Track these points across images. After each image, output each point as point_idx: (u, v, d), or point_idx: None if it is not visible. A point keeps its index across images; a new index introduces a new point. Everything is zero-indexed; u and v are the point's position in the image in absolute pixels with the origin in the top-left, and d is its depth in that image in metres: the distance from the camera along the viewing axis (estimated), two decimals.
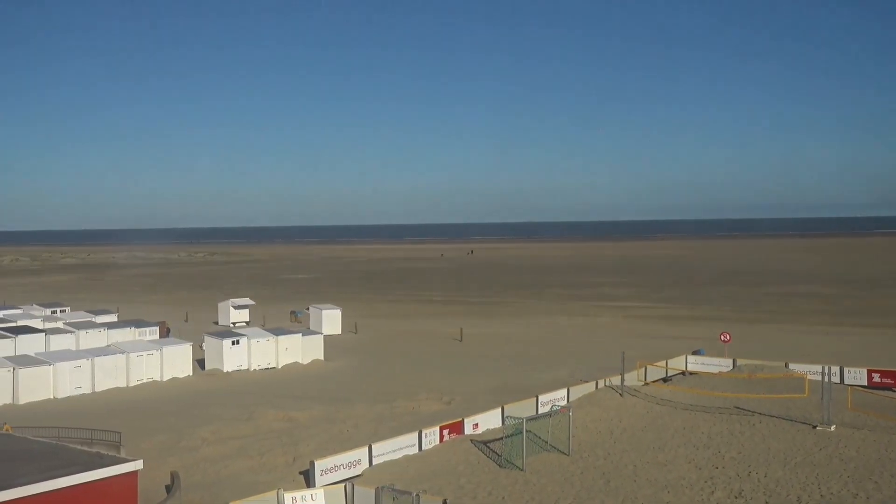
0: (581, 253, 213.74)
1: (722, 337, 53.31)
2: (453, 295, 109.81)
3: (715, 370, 48.78)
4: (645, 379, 46.02)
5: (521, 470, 31.51)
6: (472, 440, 35.33)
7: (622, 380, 43.62)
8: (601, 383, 44.52)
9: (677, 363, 50.03)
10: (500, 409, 38.04)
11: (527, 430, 32.39)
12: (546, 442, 33.78)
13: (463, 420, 36.90)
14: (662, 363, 48.91)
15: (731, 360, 50.04)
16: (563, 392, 42.09)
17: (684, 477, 30.52)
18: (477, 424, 36.99)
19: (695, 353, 52.41)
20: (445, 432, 35.67)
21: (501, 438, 33.68)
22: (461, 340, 66.64)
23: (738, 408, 39.81)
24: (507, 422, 34.85)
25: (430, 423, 36.69)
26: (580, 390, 43.16)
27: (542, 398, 40.35)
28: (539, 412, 37.72)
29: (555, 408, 37.28)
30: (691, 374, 49.06)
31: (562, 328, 74.89)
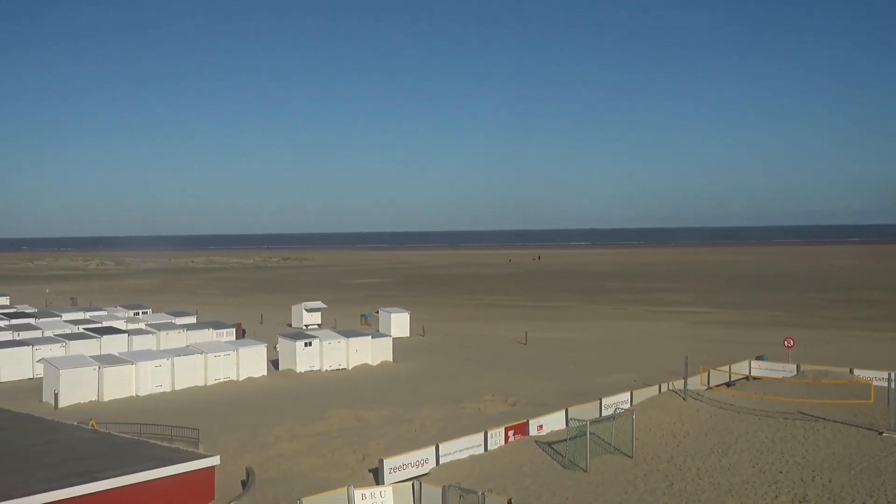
0: (635, 259, 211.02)
1: (786, 342, 52.09)
2: (518, 299, 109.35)
3: (779, 375, 47.69)
4: (708, 383, 45.16)
5: (585, 471, 31.12)
6: (536, 441, 35.02)
7: (685, 384, 42.89)
8: (664, 387, 43.81)
9: (741, 368, 49.02)
10: (564, 412, 37.67)
11: (590, 433, 31.99)
12: (609, 444, 33.33)
13: (528, 421, 36.59)
14: (725, 368, 47.98)
15: (794, 366, 48.88)
16: (627, 395, 41.51)
17: (748, 481, 29.84)
18: (541, 426, 36.66)
19: (758, 358, 51.30)
20: (510, 433, 35.41)
21: (565, 440, 33.31)
22: (526, 344, 66.25)
23: (802, 413, 38.84)
24: (571, 424, 34.50)
25: (496, 424, 36.44)
26: (643, 394, 42.51)
27: (605, 401, 39.88)
28: (602, 415, 37.23)
29: (618, 411, 36.80)
30: (755, 378, 48.04)
31: (623, 333, 74.00)
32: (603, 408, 39.03)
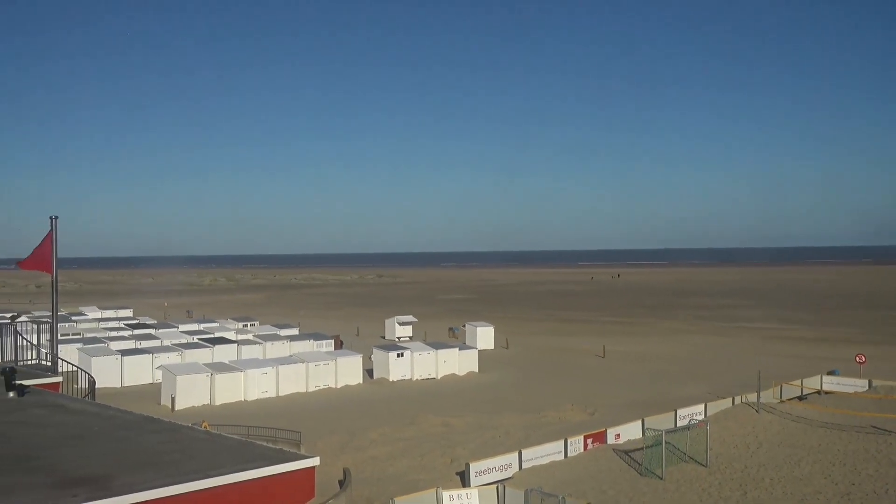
0: (706, 277, 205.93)
1: (857, 358, 50.23)
2: (597, 315, 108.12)
3: (850, 390, 45.99)
4: (780, 397, 43.87)
5: (661, 479, 30.56)
6: (613, 449, 34.54)
7: (758, 397, 41.74)
8: (737, 400, 42.70)
9: (812, 383, 47.46)
10: (640, 422, 37.04)
11: (666, 442, 31.43)
12: (684, 453, 32.67)
13: (606, 430, 36.13)
14: (798, 382, 46.53)
15: (866, 381, 47.05)
16: (701, 407, 40.59)
17: (821, 492, 28.87)
18: (619, 435, 36.15)
19: (830, 373, 49.56)
20: (589, 441, 35.01)
21: (642, 448, 32.79)
22: (604, 357, 65.42)
23: (874, 427, 37.38)
24: (647, 433, 33.90)
25: (575, 432, 36.07)
26: (717, 406, 41.50)
27: (680, 412, 39.06)
28: (677, 425, 36.50)
29: (693, 422, 36.01)
30: (826, 393, 46.44)
31: (697, 347, 72.41)
32: (678, 418, 38.22)
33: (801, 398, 45.08)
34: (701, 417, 38.29)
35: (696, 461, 32.34)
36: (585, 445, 34.78)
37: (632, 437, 35.96)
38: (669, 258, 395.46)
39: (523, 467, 31.80)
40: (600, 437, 35.58)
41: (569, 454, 33.84)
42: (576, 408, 45.23)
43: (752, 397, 42.07)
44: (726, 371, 56.94)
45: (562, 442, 34.14)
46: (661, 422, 36.23)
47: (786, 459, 33.02)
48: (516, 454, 32.16)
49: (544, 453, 33.18)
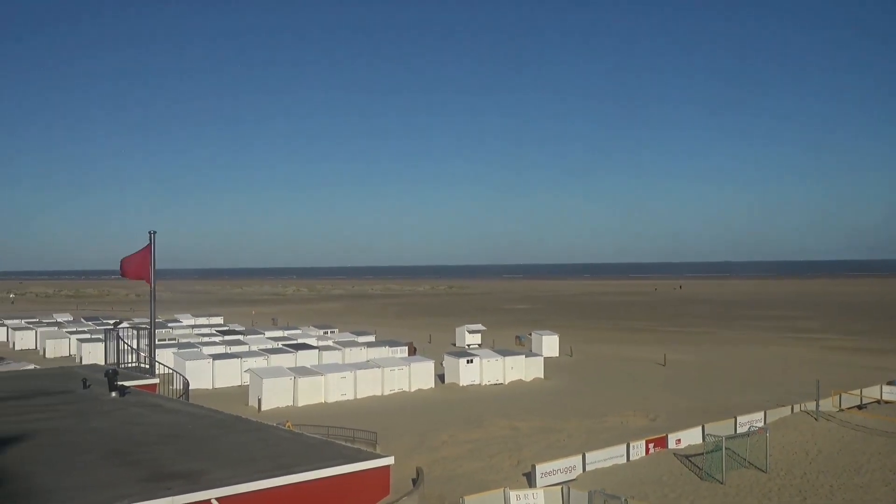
0: (764, 289, 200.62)
1: None
2: (658, 324, 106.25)
3: None
4: (840, 405, 42.36)
5: (722, 483, 29.75)
6: (675, 454, 33.80)
7: (817, 405, 40.38)
8: (797, 408, 41.39)
9: (872, 392, 45.70)
10: (700, 428, 36.19)
11: (726, 447, 30.62)
12: (744, 459, 31.75)
13: (667, 435, 35.39)
14: (857, 391, 44.87)
15: None
16: (760, 414, 39.46)
17: (881, 500, 27.73)
18: (679, 440, 35.36)
19: (889, 383, 47.66)
20: (651, 445, 34.34)
21: (702, 454, 31.99)
22: (664, 365, 64.20)
23: None
24: (708, 439, 33.09)
25: (637, 437, 35.43)
26: (776, 413, 40.30)
27: (740, 419, 38.03)
28: (737, 432, 35.55)
29: (752, 428, 35.02)
30: (886, 402, 44.66)
31: (756, 356, 70.48)
32: (738, 425, 37.23)
33: (860, 407, 43.45)
34: (760, 424, 37.21)
35: (756, 467, 31.41)
36: (647, 450, 34.12)
37: (692, 443, 35.10)
38: (730, 271, 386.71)
39: (587, 469, 31.34)
40: (662, 442, 34.86)
41: (631, 458, 33.24)
42: (637, 413, 44.45)
43: (812, 406, 40.73)
44: (785, 380, 55.32)
45: (624, 446, 33.57)
46: (721, 428, 35.35)
47: (845, 467, 31.81)
48: (580, 457, 31.72)
49: (607, 456, 32.66)
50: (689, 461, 32.41)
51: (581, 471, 31.13)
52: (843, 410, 41.74)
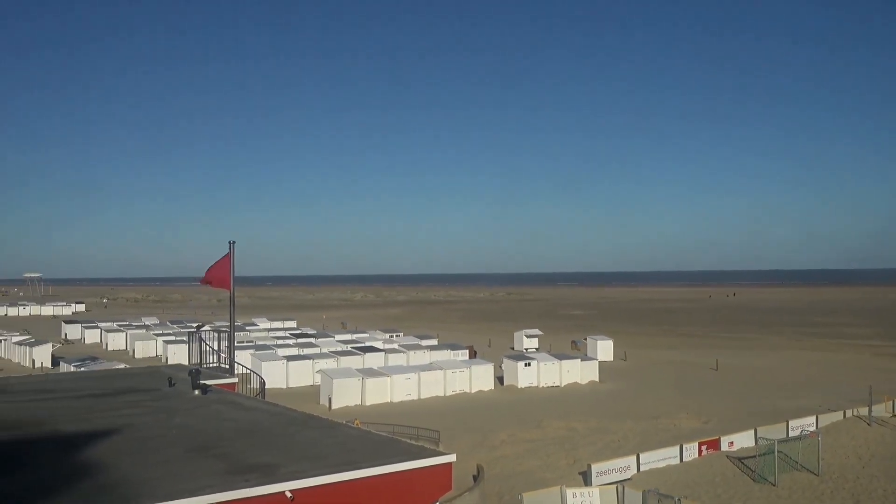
0: (809, 297, 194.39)
1: None
2: (710, 331, 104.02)
3: None
4: (893, 411, 40.79)
5: (774, 485, 28.94)
6: (727, 456, 32.99)
7: (870, 410, 39.00)
8: (849, 413, 40.03)
9: None
10: (752, 431, 35.26)
11: (778, 451, 29.78)
12: (796, 462, 30.82)
13: (719, 438, 34.58)
14: None
15: None
16: (812, 419, 38.26)
17: None
18: (732, 443, 34.51)
19: None
20: (704, 447, 33.58)
21: (755, 456, 31.17)
22: (717, 370, 62.81)
23: None
24: (760, 442, 32.22)
25: (690, 439, 34.70)
26: (828, 418, 39.02)
27: (792, 423, 36.95)
28: (789, 435, 34.55)
29: (804, 432, 34.01)
30: None
31: (807, 362, 68.44)
32: (790, 429, 36.19)
33: None
34: (812, 428, 36.10)
35: (808, 470, 30.46)
36: (700, 451, 33.38)
37: (745, 446, 34.25)
38: (781, 278, 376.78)
39: (641, 469, 30.82)
40: (714, 445, 34.08)
41: (684, 459, 32.57)
42: (690, 416, 43.56)
43: (864, 411, 39.36)
44: (836, 385, 53.57)
45: (677, 447, 32.91)
46: (773, 431, 34.40)
47: None
48: (634, 457, 31.22)
49: (661, 457, 32.07)
50: (742, 463, 31.60)
51: (635, 471, 30.63)
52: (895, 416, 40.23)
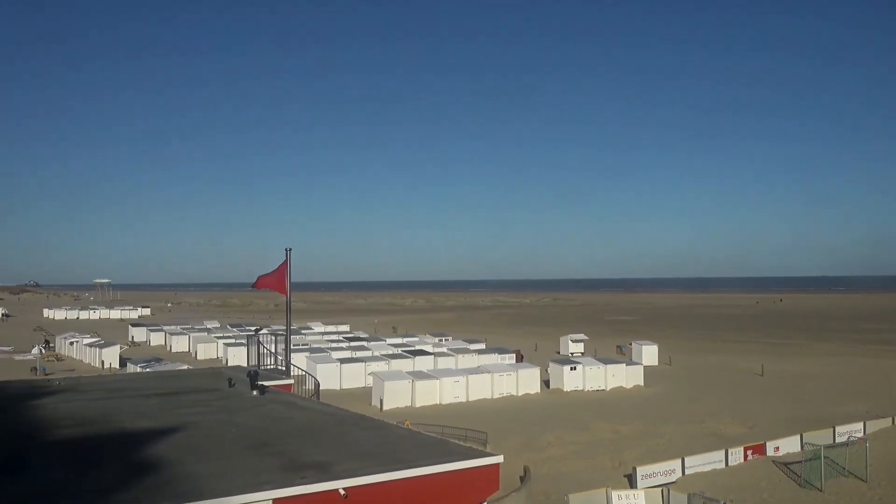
0: (854, 303, 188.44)
1: None
2: (756, 336, 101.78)
3: None
4: None
5: (820, 491, 28.16)
6: (773, 461, 32.24)
7: None
8: None
9: None
10: (798, 436, 34.38)
11: (825, 457, 28.98)
12: (843, 468, 29.96)
13: (765, 443, 33.81)
14: None
15: None
16: (860, 425, 37.14)
17: None
18: (778, 448, 33.70)
19: None
20: (749, 452, 32.87)
21: (801, 462, 30.38)
22: (762, 375, 61.42)
23: None
24: (806, 448, 31.40)
25: (735, 444, 33.99)
26: (876, 425, 37.83)
27: (839, 429, 35.90)
28: (836, 441, 33.58)
29: (851, 438, 33.05)
30: None
31: (854, 368, 66.42)
32: (836, 435, 35.18)
33: None
34: (860, 435, 35.06)
35: (855, 476, 29.59)
36: (745, 456, 32.68)
37: (790, 451, 33.42)
38: (830, 285, 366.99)
39: (686, 473, 30.30)
40: (760, 449, 33.33)
41: (729, 463, 31.92)
42: (735, 421, 42.66)
43: None
44: (884, 392, 51.92)
45: (723, 451, 32.28)
46: (819, 437, 33.47)
47: None
48: (679, 461, 30.70)
49: (706, 461, 31.47)
50: (788, 468, 30.85)
51: (680, 474, 30.11)
52: None
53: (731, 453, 32.35)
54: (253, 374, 19.41)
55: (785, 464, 31.47)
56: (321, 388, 24.04)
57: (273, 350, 23.66)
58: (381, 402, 47.54)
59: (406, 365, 58.22)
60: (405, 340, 78.98)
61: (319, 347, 69.58)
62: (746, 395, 51.73)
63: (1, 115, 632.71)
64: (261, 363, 23.17)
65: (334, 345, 73.59)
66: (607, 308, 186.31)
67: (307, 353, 60.47)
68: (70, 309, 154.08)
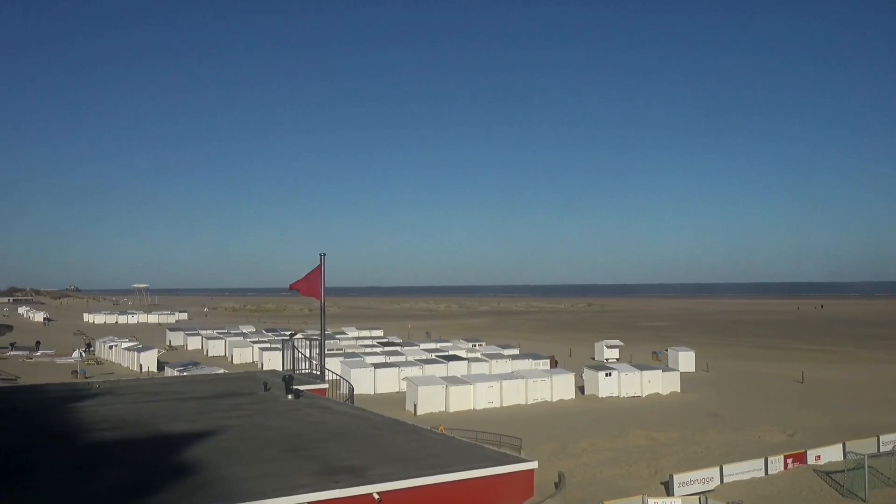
0: (892, 309, 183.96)
1: None
2: (795, 342, 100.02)
3: None
4: None
5: (864, 501, 27.53)
6: (814, 470, 31.58)
7: None
8: None
9: None
10: (841, 445, 33.63)
11: (869, 466, 28.33)
12: (888, 478, 29.24)
13: (806, 451, 33.11)
14: None
15: None
16: None
17: None
18: (819, 456, 33.00)
19: None
20: (789, 461, 32.24)
21: (843, 471, 29.73)
22: (802, 382, 60.31)
23: None
24: (849, 457, 30.72)
25: (775, 452, 33.35)
26: None
27: (883, 438, 35.01)
28: (880, 450, 32.79)
29: None
30: None
31: None
32: (881, 444, 34.35)
33: None
34: None
35: None
36: (786, 464, 32.06)
37: (832, 460, 32.71)
38: (872, 291, 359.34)
39: (724, 481, 29.80)
40: (800, 458, 32.67)
41: (769, 472, 31.33)
42: (774, 429, 41.92)
43: None
44: None
45: (762, 460, 31.69)
46: (862, 446, 32.67)
47: None
48: (718, 469, 30.23)
49: (745, 469, 30.93)
50: (830, 478, 30.19)
51: (718, 482, 29.64)
52: None
53: (771, 461, 31.77)
54: (288, 379, 19.59)
55: (827, 473, 30.82)
56: (355, 392, 24.15)
57: (308, 355, 23.84)
58: (415, 406, 47.61)
59: (440, 370, 58.19)
60: (439, 345, 78.99)
61: (353, 352, 69.86)
62: (786, 403, 50.83)
63: (46, 123, 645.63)
64: (296, 367, 23.37)
65: (368, 350, 73.80)
66: (642, 313, 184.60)
67: (341, 358, 60.66)
68: (109, 313, 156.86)
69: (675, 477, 28.69)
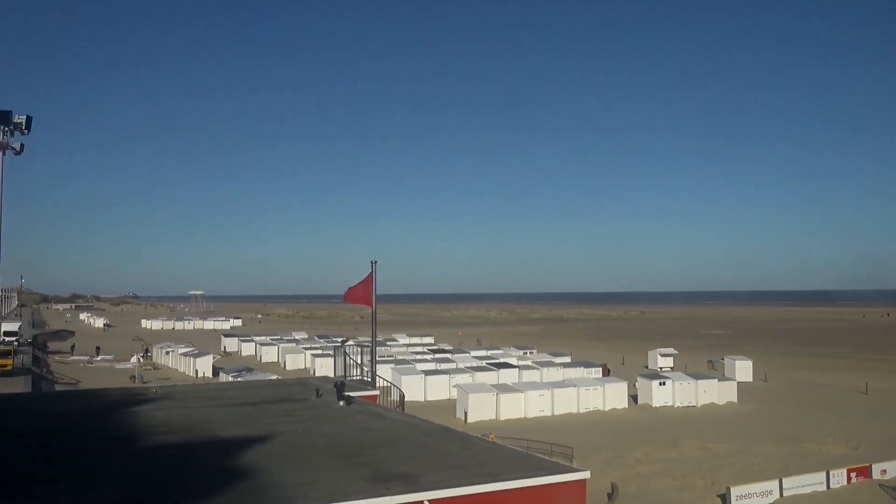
0: None
1: None
2: (860, 352, 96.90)
3: None
4: None
5: None
6: (880, 484, 30.57)
7: None
8: None
9: None
10: None
11: None
12: None
13: (870, 465, 32.09)
14: None
15: None
16: None
17: None
18: (885, 471, 31.94)
19: None
20: (853, 475, 31.29)
21: None
22: (866, 393, 58.43)
23: None
24: None
25: (837, 465, 32.38)
26: None
27: None
28: None
29: None
30: None
31: None
32: None
33: None
34: None
35: None
36: (849, 478, 31.12)
37: None
38: None
39: (784, 495, 29.09)
40: (865, 472, 31.67)
41: (831, 486, 30.47)
42: (837, 441, 40.69)
43: None
44: None
45: (824, 473, 30.84)
46: None
47: None
48: (777, 482, 29.50)
49: (806, 483, 30.13)
50: None
51: (777, 496, 28.93)
52: None
53: (833, 475, 30.87)
54: (340, 385, 19.75)
55: (893, 488, 29.81)
56: (406, 399, 24.23)
57: (359, 361, 24.01)
58: (466, 414, 47.55)
59: (490, 377, 58.02)
60: (489, 353, 78.71)
61: (404, 359, 70.11)
62: (849, 414, 49.30)
63: (85, 129, 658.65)
64: (347, 374, 23.55)
65: (419, 357, 74.03)
66: (698, 321, 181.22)
67: (392, 365, 60.99)
68: (166, 320, 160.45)
69: (732, 489, 28.08)
